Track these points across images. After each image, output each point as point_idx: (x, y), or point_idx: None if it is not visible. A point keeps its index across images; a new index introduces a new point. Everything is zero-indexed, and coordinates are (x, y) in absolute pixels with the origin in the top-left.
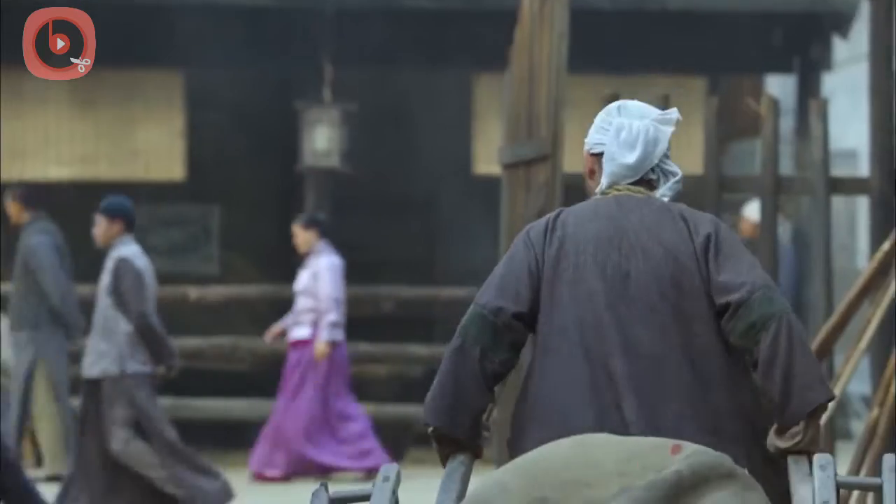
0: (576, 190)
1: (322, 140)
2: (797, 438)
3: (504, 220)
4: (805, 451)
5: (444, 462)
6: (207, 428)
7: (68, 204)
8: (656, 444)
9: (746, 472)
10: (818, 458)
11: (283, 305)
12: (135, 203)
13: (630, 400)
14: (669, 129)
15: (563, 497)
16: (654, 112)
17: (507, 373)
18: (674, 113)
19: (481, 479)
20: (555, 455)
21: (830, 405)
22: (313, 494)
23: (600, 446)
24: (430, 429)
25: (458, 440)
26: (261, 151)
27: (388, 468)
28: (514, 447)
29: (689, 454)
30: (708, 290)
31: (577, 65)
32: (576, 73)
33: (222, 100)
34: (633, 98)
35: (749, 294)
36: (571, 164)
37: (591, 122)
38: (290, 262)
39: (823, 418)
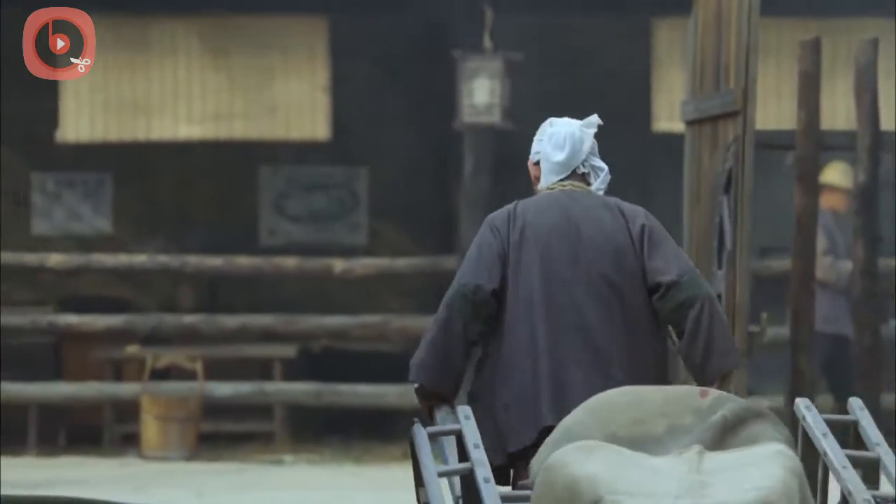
0: (768, 148)
1: (482, 93)
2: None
3: (687, 183)
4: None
5: (428, 413)
6: (355, 416)
7: (199, 166)
8: (687, 391)
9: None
10: (801, 401)
11: (440, 280)
12: (273, 164)
13: (577, 363)
14: (592, 131)
15: (626, 432)
16: (578, 122)
17: (479, 340)
18: (594, 119)
19: (569, 417)
20: (612, 400)
21: None
22: (412, 431)
23: (644, 393)
24: (417, 385)
25: (441, 395)
26: (413, 106)
27: (465, 408)
28: (478, 399)
29: (717, 397)
30: (642, 270)
31: (770, 6)
32: (769, 15)
33: (371, 49)
34: (837, 43)
35: (679, 277)
36: (764, 119)
37: (788, 71)
38: (447, 230)
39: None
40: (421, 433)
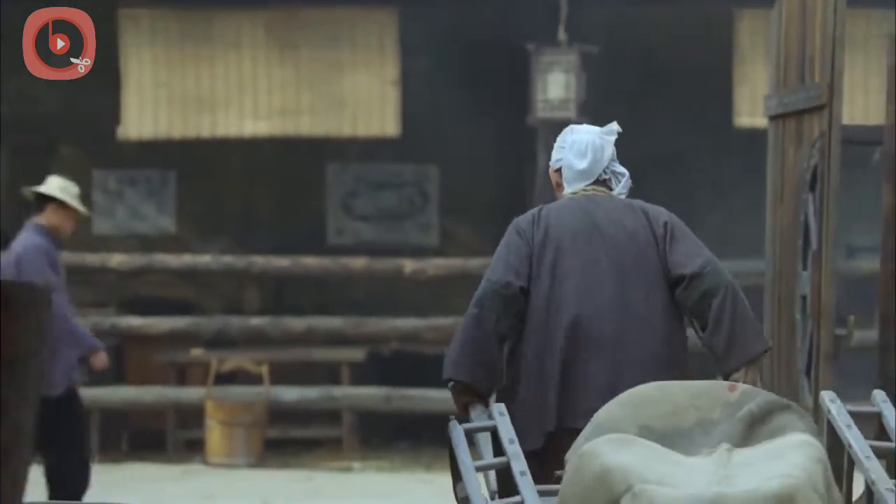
0: (854, 144)
1: (556, 88)
2: (739, 383)
3: (770, 181)
4: None
5: (461, 409)
6: (426, 421)
7: (265, 163)
8: (716, 385)
9: (796, 404)
10: (826, 393)
11: None
12: (342, 162)
13: (599, 356)
14: (613, 139)
15: (657, 424)
16: (597, 129)
17: (512, 335)
18: (614, 126)
19: (602, 410)
20: (644, 394)
21: None
22: (449, 427)
23: (674, 388)
24: (452, 382)
25: (476, 391)
26: (486, 102)
27: (499, 406)
28: (507, 397)
29: (744, 391)
30: (664, 266)
31: None
32: (856, 6)
33: (442, 42)
34: None
35: (701, 268)
36: (851, 114)
37: (876, 64)
38: None
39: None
40: (457, 429)
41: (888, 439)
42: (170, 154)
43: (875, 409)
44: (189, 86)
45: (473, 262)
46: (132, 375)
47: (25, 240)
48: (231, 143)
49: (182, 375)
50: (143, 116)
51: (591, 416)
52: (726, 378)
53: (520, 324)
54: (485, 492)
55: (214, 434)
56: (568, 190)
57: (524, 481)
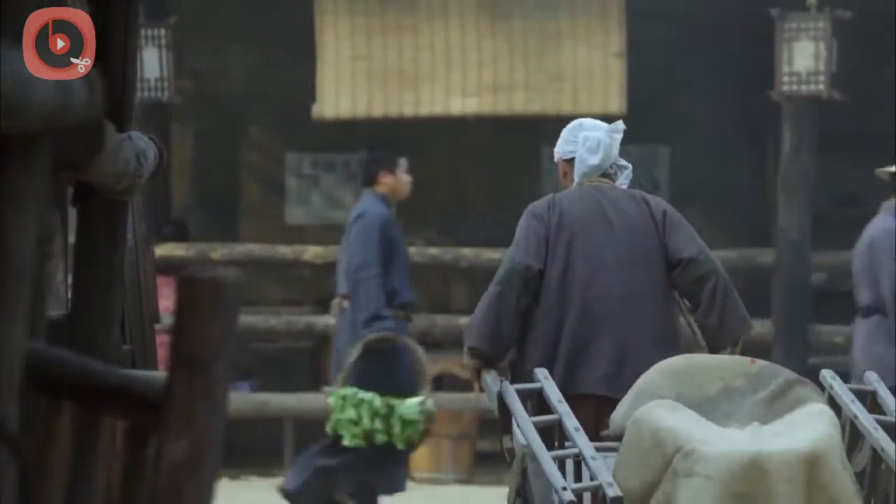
0: None
1: (804, 58)
2: None
3: None
4: None
5: (474, 373)
6: None
7: (475, 145)
8: (739, 359)
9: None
10: (826, 372)
11: (754, 277)
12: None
13: (606, 331)
14: (619, 136)
15: (690, 391)
16: (605, 126)
17: (528, 312)
18: (620, 125)
19: (642, 378)
20: (677, 365)
21: None
22: (502, 387)
23: (703, 360)
24: (470, 349)
25: (491, 358)
26: (722, 75)
27: (543, 370)
28: (518, 366)
29: (764, 365)
30: (663, 251)
31: None
32: None
33: (672, 8)
34: None
35: (697, 254)
36: None
37: None
38: (762, 219)
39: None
40: (510, 390)
41: (883, 414)
42: (370, 135)
43: (870, 387)
44: (390, 59)
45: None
46: (329, 380)
47: (881, 224)
48: (436, 122)
49: None
50: (339, 94)
51: (597, 384)
52: (714, 352)
53: (535, 301)
54: (516, 443)
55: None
56: (577, 180)
57: (578, 435)
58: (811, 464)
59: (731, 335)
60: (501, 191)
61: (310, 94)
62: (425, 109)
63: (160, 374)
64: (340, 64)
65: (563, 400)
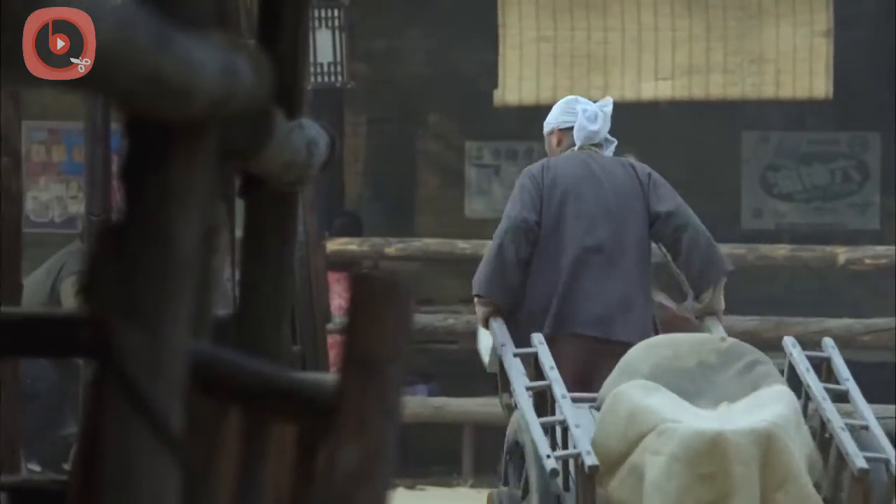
0: None
1: None
2: (709, 299)
3: None
4: (712, 312)
5: (483, 320)
6: None
7: (668, 132)
8: (710, 337)
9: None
10: (788, 339)
11: None
12: (760, 130)
13: (597, 278)
14: (609, 110)
15: (667, 364)
16: (597, 103)
17: (530, 260)
18: (609, 100)
19: (627, 354)
20: (657, 342)
21: None
22: (501, 352)
23: (679, 338)
24: (477, 297)
25: (497, 306)
26: None
27: (538, 335)
28: (516, 309)
29: (732, 343)
30: (646, 209)
31: None
32: None
33: None
34: None
35: (676, 208)
36: None
37: None
38: None
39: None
40: (508, 353)
41: (834, 381)
42: None
43: (825, 354)
44: (578, 41)
45: None
46: None
47: None
48: (627, 108)
49: None
50: (523, 78)
51: (590, 326)
52: (699, 295)
53: (533, 251)
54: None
55: None
56: (577, 145)
57: (565, 403)
58: (764, 445)
59: (714, 276)
60: (697, 181)
61: (491, 78)
62: (615, 94)
63: (332, 376)
64: (524, 46)
65: (555, 367)
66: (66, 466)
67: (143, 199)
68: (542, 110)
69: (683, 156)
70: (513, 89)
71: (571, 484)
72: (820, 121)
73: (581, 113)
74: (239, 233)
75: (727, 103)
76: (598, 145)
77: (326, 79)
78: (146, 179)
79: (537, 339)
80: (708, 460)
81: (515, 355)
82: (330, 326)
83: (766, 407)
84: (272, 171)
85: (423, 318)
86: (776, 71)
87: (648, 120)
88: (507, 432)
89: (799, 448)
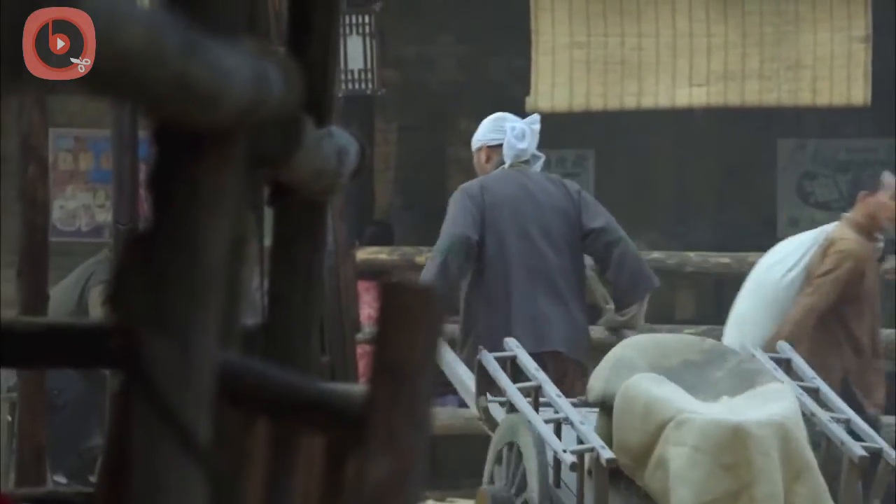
0: None
1: None
2: (632, 314)
3: None
4: (631, 326)
5: None
6: None
7: (702, 140)
8: (693, 338)
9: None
10: (749, 343)
11: None
12: (797, 137)
13: (543, 297)
14: (537, 128)
15: (656, 362)
16: (525, 120)
17: (468, 277)
18: (536, 117)
19: (614, 351)
20: (645, 341)
21: None
22: (483, 357)
23: (664, 338)
24: None
25: None
26: None
27: (512, 340)
28: (469, 325)
29: (713, 343)
30: (579, 225)
31: None
32: None
33: None
34: None
35: (607, 224)
36: None
37: None
38: None
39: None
40: (488, 358)
41: (799, 380)
42: (587, 129)
43: (785, 356)
44: (611, 47)
45: None
46: None
47: None
48: (661, 115)
49: None
50: (556, 84)
51: (556, 342)
52: (623, 308)
53: (474, 266)
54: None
55: None
56: (506, 164)
57: (563, 402)
58: (783, 437)
59: (641, 292)
60: (732, 189)
61: (523, 85)
62: (649, 101)
63: (361, 387)
64: (557, 52)
65: (540, 369)
66: (93, 478)
67: (171, 207)
68: (575, 117)
69: (719, 164)
70: (545, 96)
71: (562, 481)
72: (857, 128)
73: (510, 131)
74: (268, 242)
75: (763, 110)
76: (527, 162)
77: (357, 86)
78: (174, 188)
79: (513, 343)
80: (730, 451)
81: (496, 359)
82: (359, 336)
83: (774, 402)
84: (302, 179)
85: (454, 328)
86: (813, 77)
87: (683, 127)
88: (497, 433)
89: (807, 442)
